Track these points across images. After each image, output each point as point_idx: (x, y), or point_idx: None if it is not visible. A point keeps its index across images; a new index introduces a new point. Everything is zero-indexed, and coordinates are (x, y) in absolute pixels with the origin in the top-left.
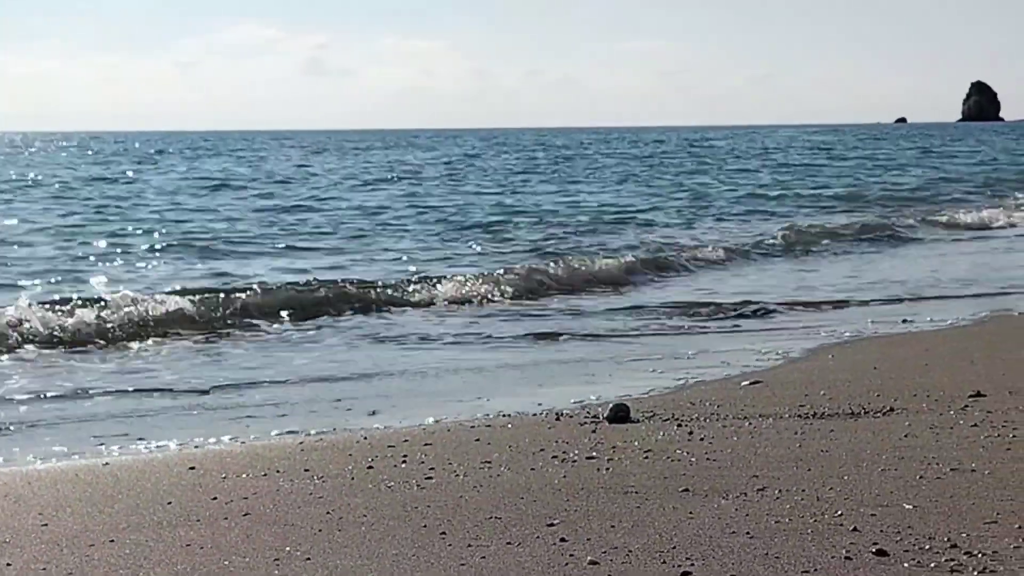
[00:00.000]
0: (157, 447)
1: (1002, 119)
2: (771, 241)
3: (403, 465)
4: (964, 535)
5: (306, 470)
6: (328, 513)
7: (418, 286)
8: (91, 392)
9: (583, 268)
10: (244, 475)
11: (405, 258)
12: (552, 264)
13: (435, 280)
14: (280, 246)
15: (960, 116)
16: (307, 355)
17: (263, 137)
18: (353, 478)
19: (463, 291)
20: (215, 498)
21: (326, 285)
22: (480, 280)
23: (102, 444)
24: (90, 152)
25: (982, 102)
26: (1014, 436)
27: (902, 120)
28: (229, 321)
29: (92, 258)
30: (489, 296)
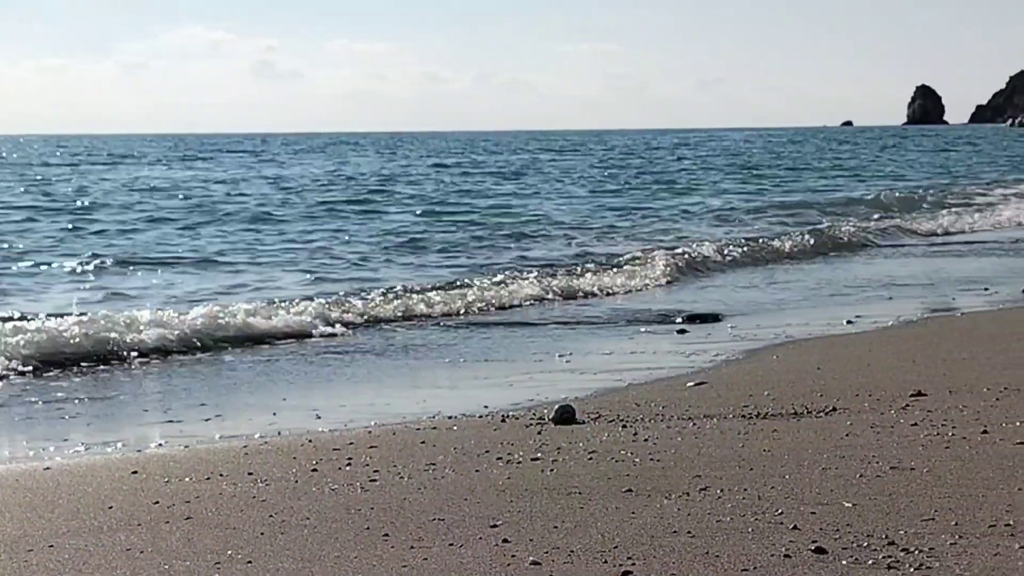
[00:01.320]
0: (100, 451)
1: (946, 122)
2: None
3: (347, 468)
4: (902, 532)
5: (249, 473)
6: (271, 516)
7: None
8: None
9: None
10: (187, 479)
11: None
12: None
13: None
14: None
15: (905, 119)
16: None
17: (215, 141)
18: (297, 481)
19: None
20: (157, 502)
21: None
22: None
23: (43, 448)
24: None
25: (927, 106)
26: (953, 435)
27: (848, 123)
28: None
29: None
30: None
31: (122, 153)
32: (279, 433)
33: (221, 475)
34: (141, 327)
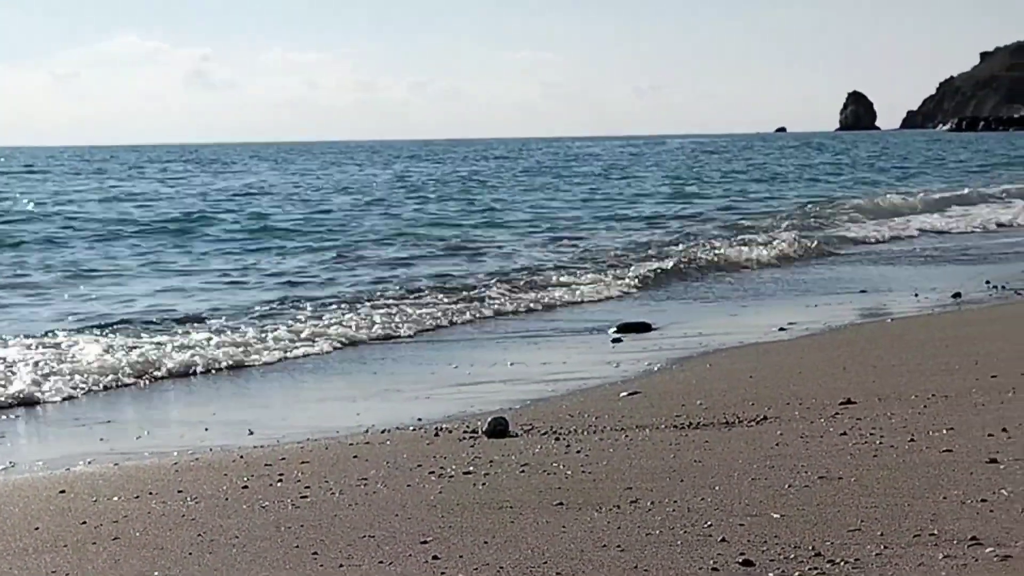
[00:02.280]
0: (26, 470)
1: (878, 127)
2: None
3: (279, 484)
4: (828, 543)
5: (179, 491)
6: (199, 535)
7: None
8: None
9: None
10: (116, 497)
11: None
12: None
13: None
14: None
15: (838, 125)
16: None
17: (147, 151)
18: (227, 498)
19: None
20: (84, 522)
21: None
22: None
23: None
24: None
25: (859, 111)
26: (881, 443)
27: (782, 129)
28: None
29: None
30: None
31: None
32: (210, 449)
33: (150, 493)
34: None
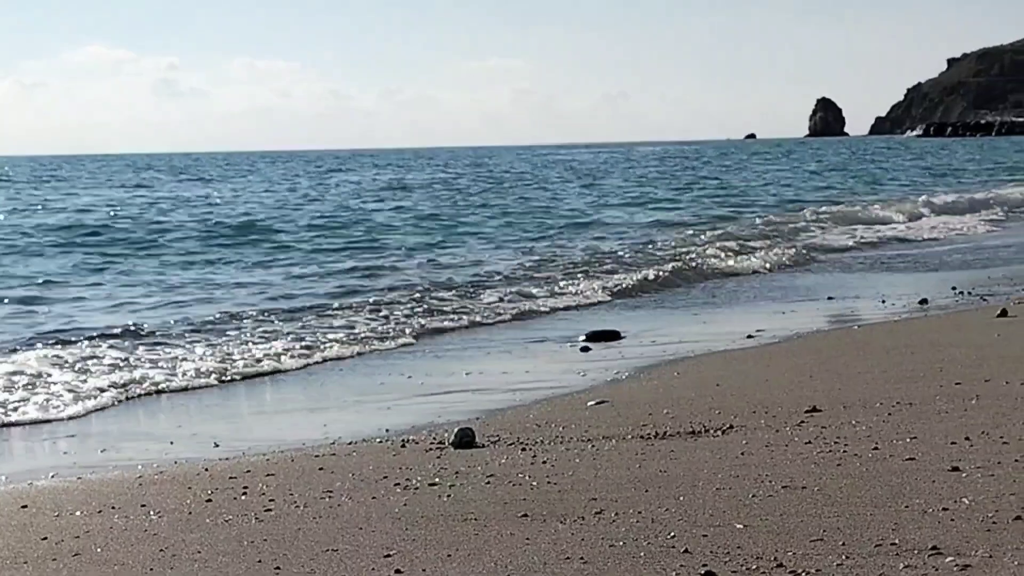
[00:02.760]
0: None
1: (847, 134)
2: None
3: (243, 497)
4: (791, 553)
5: (143, 505)
6: (162, 551)
7: None
8: None
9: None
10: (78, 512)
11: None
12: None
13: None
14: None
15: (807, 131)
16: None
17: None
18: (191, 512)
19: None
20: (45, 538)
21: None
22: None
23: None
24: None
25: (827, 118)
26: (845, 451)
27: (751, 136)
28: None
29: None
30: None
31: None
32: (175, 462)
33: (113, 507)
34: None
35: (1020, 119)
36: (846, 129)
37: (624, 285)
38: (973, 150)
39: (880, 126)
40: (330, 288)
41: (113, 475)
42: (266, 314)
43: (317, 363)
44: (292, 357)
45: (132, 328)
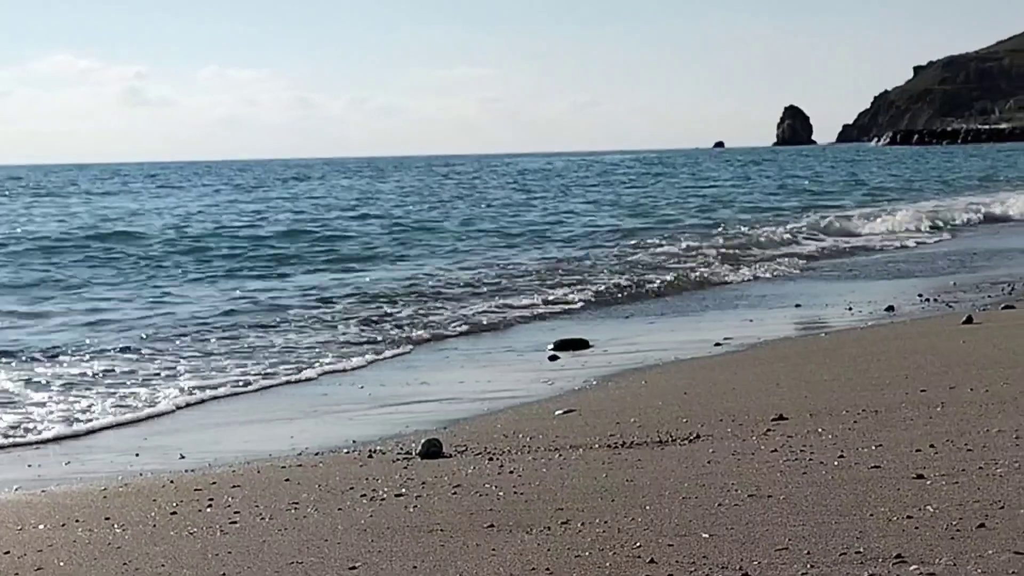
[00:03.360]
0: None
1: (815, 142)
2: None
3: (208, 510)
4: (755, 563)
5: (107, 518)
6: (125, 564)
7: None
8: None
9: None
10: (41, 526)
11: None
12: None
13: None
14: None
15: (775, 140)
16: None
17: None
18: (155, 525)
19: None
20: (7, 552)
21: None
22: None
23: None
24: None
25: (795, 126)
26: (811, 460)
27: (720, 144)
28: None
29: None
30: None
31: None
32: (140, 474)
33: (77, 521)
34: None
35: (986, 127)
36: (814, 137)
37: (593, 294)
38: (942, 158)
39: (848, 133)
40: (293, 301)
41: (77, 488)
42: (234, 327)
43: (286, 378)
44: (262, 374)
45: (90, 343)
